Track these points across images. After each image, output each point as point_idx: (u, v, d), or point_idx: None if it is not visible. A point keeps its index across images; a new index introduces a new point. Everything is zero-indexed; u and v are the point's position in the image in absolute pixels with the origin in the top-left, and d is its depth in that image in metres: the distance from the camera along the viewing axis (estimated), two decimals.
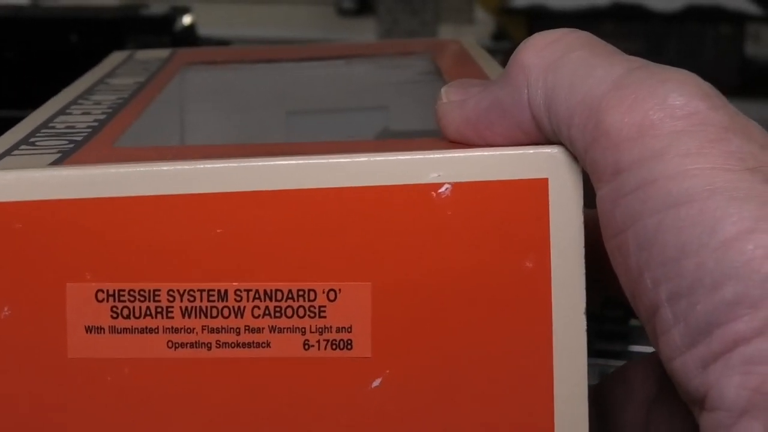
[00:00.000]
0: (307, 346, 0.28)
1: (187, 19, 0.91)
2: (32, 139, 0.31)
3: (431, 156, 0.27)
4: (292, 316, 0.28)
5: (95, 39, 0.85)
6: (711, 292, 0.24)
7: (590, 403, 0.28)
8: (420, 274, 0.28)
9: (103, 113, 0.34)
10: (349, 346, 0.28)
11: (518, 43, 0.29)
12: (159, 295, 0.28)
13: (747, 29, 1.51)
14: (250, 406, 0.28)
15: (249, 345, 0.28)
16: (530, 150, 0.28)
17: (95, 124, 0.33)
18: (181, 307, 0.28)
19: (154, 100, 0.37)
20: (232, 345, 0.28)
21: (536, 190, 0.28)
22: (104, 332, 0.28)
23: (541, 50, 0.28)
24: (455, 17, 1.70)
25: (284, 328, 0.28)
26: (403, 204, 0.27)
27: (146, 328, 0.28)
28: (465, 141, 0.28)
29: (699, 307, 0.24)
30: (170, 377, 0.28)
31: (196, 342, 0.28)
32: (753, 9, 1.48)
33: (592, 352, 0.54)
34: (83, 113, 0.34)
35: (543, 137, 0.28)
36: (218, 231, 0.27)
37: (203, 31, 0.97)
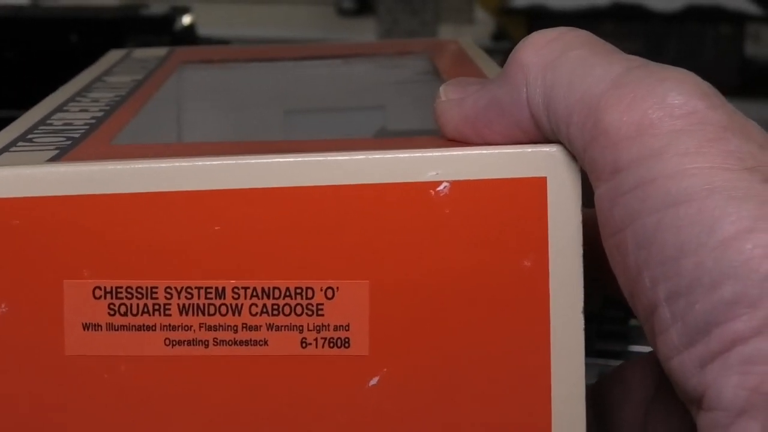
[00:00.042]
0: (304, 344, 0.28)
1: (186, 19, 0.91)
2: (30, 136, 0.31)
3: (429, 154, 0.27)
4: (289, 314, 0.28)
5: (95, 39, 0.85)
6: (709, 291, 0.24)
7: (588, 402, 0.28)
8: (418, 272, 0.28)
9: (100, 111, 0.34)
10: (346, 345, 0.28)
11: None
12: (156, 293, 0.28)
13: (747, 29, 1.51)
14: (247, 404, 0.28)
15: (246, 343, 0.28)
16: (529, 149, 0.28)
17: (93, 121, 0.33)
18: (178, 305, 0.28)
19: (152, 98, 0.37)
20: (230, 343, 0.28)
21: (535, 188, 0.27)
22: (101, 329, 0.28)
23: (540, 49, 0.28)
24: (455, 17, 1.70)
25: (282, 326, 0.28)
26: (401, 202, 0.27)
27: (143, 325, 0.28)
28: (463, 139, 0.28)
29: (697, 306, 0.24)
30: (167, 375, 0.28)
31: (193, 339, 0.28)
32: (753, 9, 1.48)
33: (592, 352, 0.54)
34: (81, 110, 0.34)
35: (541, 136, 0.28)
36: (216, 228, 0.27)
37: (203, 31, 0.97)
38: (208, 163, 0.27)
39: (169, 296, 0.28)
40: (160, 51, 0.46)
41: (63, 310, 0.27)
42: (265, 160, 0.27)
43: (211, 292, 0.28)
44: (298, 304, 0.28)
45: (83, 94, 0.37)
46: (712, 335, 0.24)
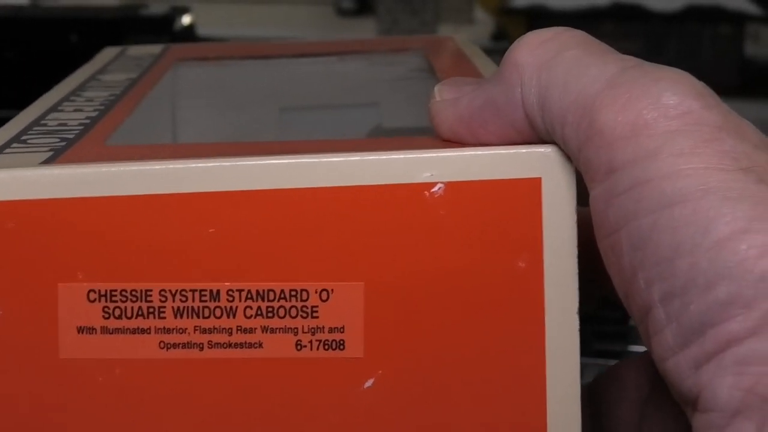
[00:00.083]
0: (299, 347, 0.28)
1: (186, 19, 0.91)
2: (24, 137, 0.31)
3: (424, 155, 0.27)
4: (284, 316, 0.28)
5: (95, 39, 0.85)
6: (704, 292, 0.24)
7: (583, 402, 0.28)
8: (413, 274, 0.27)
9: (95, 110, 0.34)
10: (341, 347, 0.28)
11: None
12: (151, 296, 0.27)
13: (746, 29, 1.51)
14: (242, 407, 0.28)
15: (241, 345, 0.28)
16: (523, 149, 0.28)
17: (87, 121, 0.33)
18: (173, 308, 0.28)
19: (147, 96, 0.37)
20: (225, 345, 0.28)
21: (529, 189, 0.27)
22: (96, 332, 0.28)
23: (535, 49, 0.28)
24: (455, 17, 1.70)
25: (276, 329, 0.28)
26: (395, 203, 0.27)
27: (138, 328, 0.28)
28: (458, 140, 0.28)
29: (692, 307, 0.24)
30: (162, 378, 0.28)
31: (188, 342, 0.28)
32: (752, 9, 1.48)
33: (592, 352, 0.54)
34: (75, 110, 0.34)
35: (536, 136, 0.28)
36: (210, 230, 0.27)
37: (203, 31, 0.97)
38: (202, 165, 0.27)
39: (163, 299, 0.27)
40: (155, 48, 0.45)
41: (57, 313, 0.27)
42: (259, 162, 0.27)
43: (205, 295, 0.28)
44: (292, 306, 0.28)
45: (78, 94, 0.37)
46: (706, 336, 0.24)
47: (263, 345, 0.28)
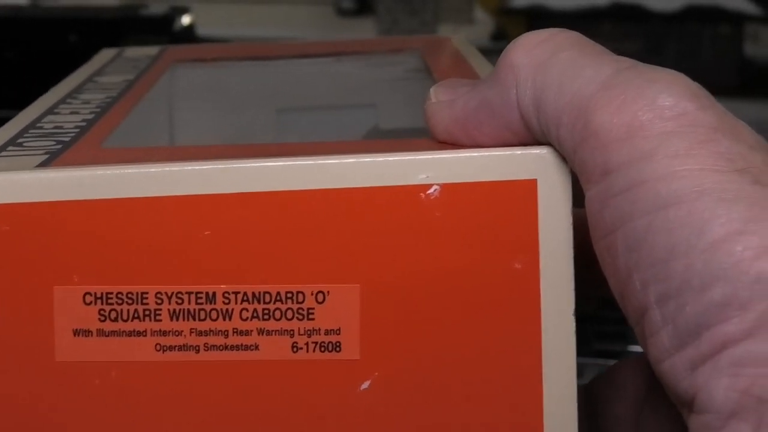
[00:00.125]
0: (295, 349, 0.28)
1: (186, 19, 0.91)
2: (20, 140, 0.31)
3: (420, 157, 0.27)
4: (280, 318, 0.28)
5: (95, 39, 0.85)
6: (700, 293, 0.24)
7: (580, 402, 0.28)
8: (409, 275, 0.27)
9: (91, 112, 0.34)
10: (337, 349, 0.28)
11: None
12: (147, 298, 0.27)
13: (746, 29, 1.51)
14: (238, 409, 0.28)
15: (237, 347, 0.28)
16: (519, 151, 0.28)
17: (83, 123, 0.33)
18: (169, 310, 0.28)
19: (143, 98, 0.37)
20: (221, 348, 0.28)
21: (525, 191, 0.27)
22: (92, 335, 0.28)
23: (530, 50, 0.28)
24: (455, 17, 1.70)
25: (272, 331, 0.28)
26: (391, 205, 0.27)
27: (134, 330, 0.28)
28: (454, 141, 0.28)
29: (688, 308, 0.24)
30: (158, 380, 0.28)
31: (184, 345, 0.28)
32: (752, 9, 1.48)
33: (592, 352, 0.54)
34: (71, 113, 0.34)
35: (532, 138, 0.27)
36: (206, 233, 0.27)
37: (202, 31, 0.97)
38: (198, 167, 0.27)
39: (159, 301, 0.27)
40: (152, 50, 0.45)
41: (53, 316, 0.27)
42: (255, 164, 0.27)
43: (201, 297, 0.28)
44: (288, 309, 0.28)
45: (74, 96, 0.37)
46: (702, 338, 0.24)
47: (259, 347, 0.28)
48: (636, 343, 0.56)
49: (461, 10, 1.71)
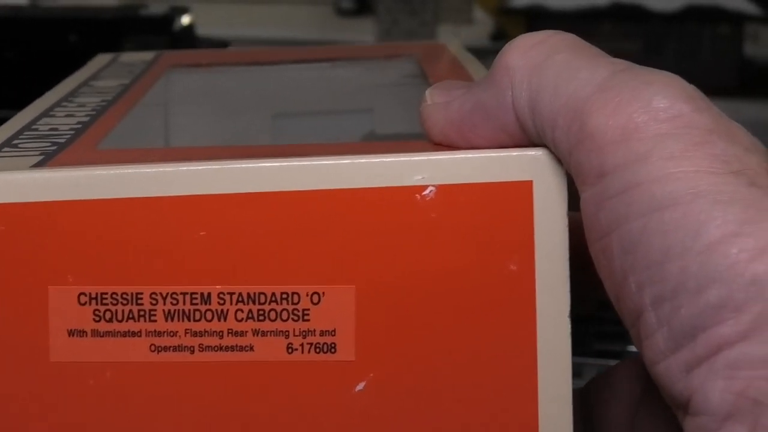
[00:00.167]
0: (290, 350, 0.28)
1: (185, 19, 0.91)
2: (15, 141, 0.31)
3: (415, 158, 0.27)
4: (275, 319, 0.28)
5: (94, 39, 0.85)
6: (695, 295, 0.24)
7: (576, 405, 0.28)
8: (404, 277, 0.27)
9: (86, 115, 0.34)
10: (332, 350, 0.28)
11: None
12: (142, 299, 0.27)
13: (746, 29, 1.51)
14: (233, 410, 0.28)
15: (232, 348, 0.28)
16: (514, 152, 0.28)
17: (78, 126, 0.33)
18: (164, 311, 0.27)
19: (139, 102, 0.37)
20: (216, 348, 0.28)
21: (520, 192, 0.27)
22: (87, 335, 0.28)
23: (525, 52, 0.28)
24: (454, 17, 1.70)
25: (267, 332, 0.28)
26: (387, 206, 0.27)
27: (129, 331, 0.28)
28: (449, 143, 0.28)
29: (683, 310, 0.24)
30: (153, 381, 0.28)
31: (179, 345, 0.28)
32: (752, 9, 1.48)
33: (592, 352, 0.54)
34: (67, 115, 0.34)
35: (527, 140, 0.27)
36: (201, 233, 0.27)
37: (202, 31, 0.97)
38: (194, 168, 0.27)
39: (154, 302, 0.27)
40: (148, 55, 0.46)
41: (48, 317, 0.27)
42: (250, 165, 0.27)
43: (196, 298, 0.27)
44: (284, 310, 0.28)
45: (69, 99, 0.37)
46: (697, 340, 0.24)
47: (254, 348, 0.28)
48: None
49: (461, 10, 1.71)
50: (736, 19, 1.47)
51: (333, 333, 0.28)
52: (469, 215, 0.27)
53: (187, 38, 0.90)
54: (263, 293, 0.27)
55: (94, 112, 0.34)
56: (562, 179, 0.27)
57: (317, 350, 0.28)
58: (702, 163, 0.25)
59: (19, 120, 0.34)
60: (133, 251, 0.27)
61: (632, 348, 0.56)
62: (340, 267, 0.27)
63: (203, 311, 0.28)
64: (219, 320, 0.28)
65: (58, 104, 0.36)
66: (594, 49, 0.27)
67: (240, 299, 0.27)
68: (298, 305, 0.28)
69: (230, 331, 0.28)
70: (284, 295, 0.27)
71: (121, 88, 0.38)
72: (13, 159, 0.29)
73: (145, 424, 0.28)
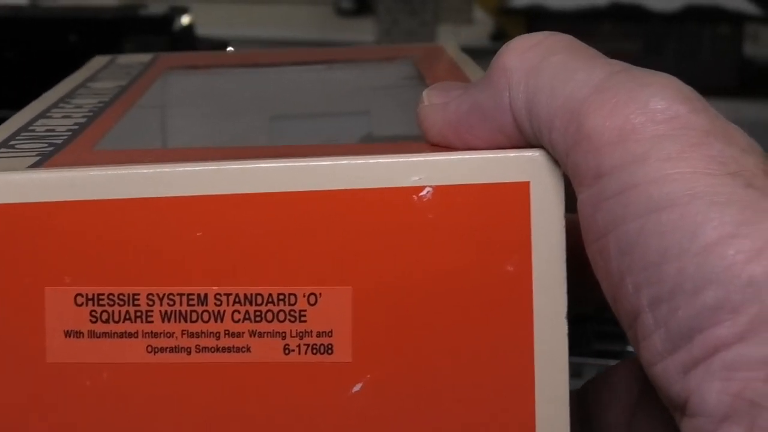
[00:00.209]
0: (287, 351, 0.28)
1: (185, 20, 0.91)
2: (12, 142, 0.31)
3: (412, 159, 0.27)
4: (272, 320, 0.28)
5: (94, 39, 0.86)
6: (692, 297, 0.24)
7: (573, 406, 0.28)
8: (401, 278, 0.27)
9: (83, 117, 0.34)
10: (329, 351, 0.28)
11: None
12: (138, 299, 0.27)
13: (746, 29, 1.51)
14: (230, 411, 0.28)
15: (229, 349, 0.28)
16: (511, 153, 0.27)
17: (75, 127, 0.33)
18: (160, 312, 0.27)
19: (136, 104, 0.37)
20: (212, 349, 0.28)
21: (517, 193, 0.27)
22: (83, 336, 0.28)
23: (522, 53, 0.28)
24: (454, 17, 1.70)
25: (264, 333, 0.28)
26: (384, 207, 0.27)
27: (125, 332, 0.28)
28: (446, 144, 0.28)
29: (680, 312, 0.24)
30: (150, 382, 0.28)
31: (175, 347, 0.28)
32: (752, 9, 1.48)
33: (592, 352, 0.54)
34: (64, 117, 0.34)
35: (524, 141, 0.27)
36: (198, 234, 0.27)
37: (202, 31, 0.97)
38: (190, 168, 0.27)
39: (151, 303, 0.27)
40: (145, 57, 0.46)
41: (44, 317, 0.27)
42: (246, 166, 0.27)
43: (193, 299, 0.27)
44: (280, 311, 0.28)
45: (66, 101, 0.37)
46: (694, 341, 0.24)
47: (251, 349, 0.28)
48: None
49: (461, 10, 1.71)
50: (736, 19, 1.47)
51: (330, 334, 0.28)
52: (466, 216, 0.27)
53: (187, 38, 0.90)
54: (260, 294, 0.27)
55: (91, 114, 0.34)
56: (559, 180, 0.27)
57: (314, 351, 0.28)
58: (699, 164, 0.25)
59: (16, 121, 0.34)
60: (130, 252, 0.27)
61: (632, 348, 0.56)
62: (337, 268, 0.27)
63: (200, 312, 0.27)
64: (216, 321, 0.28)
65: (55, 105, 0.36)
66: (591, 51, 0.27)
67: (237, 300, 0.27)
68: (295, 306, 0.27)
69: (227, 332, 0.28)
70: (281, 296, 0.27)
71: (119, 90, 0.38)
72: (10, 160, 0.29)
73: (142, 425, 0.28)
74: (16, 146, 0.30)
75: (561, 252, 0.28)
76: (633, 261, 0.25)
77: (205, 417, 0.28)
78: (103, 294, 0.27)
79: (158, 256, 0.27)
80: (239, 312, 0.28)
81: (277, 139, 0.44)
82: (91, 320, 0.27)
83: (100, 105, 0.36)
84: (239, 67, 0.45)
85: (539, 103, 0.27)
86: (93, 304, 0.27)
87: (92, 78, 0.41)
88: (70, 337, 0.28)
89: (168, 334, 0.28)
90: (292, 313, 0.28)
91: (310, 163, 0.27)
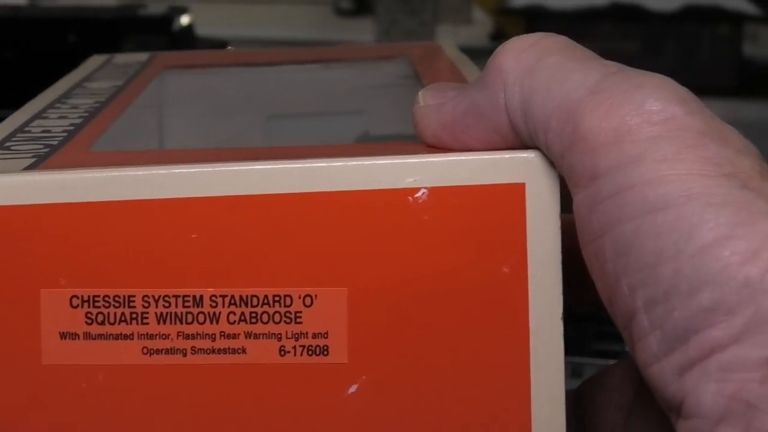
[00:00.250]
0: (283, 352, 0.28)
1: (185, 19, 0.91)
2: (7, 144, 0.31)
3: (407, 161, 0.27)
4: (267, 321, 0.28)
5: (93, 39, 0.85)
6: (687, 298, 0.24)
7: (569, 406, 0.28)
8: (396, 279, 0.27)
9: (79, 117, 0.34)
10: (325, 352, 0.28)
11: None
12: (134, 301, 0.27)
13: (745, 29, 1.51)
14: (226, 413, 0.28)
15: (224, 351, 0.28)
16: (507, 154, 0.27)
17: (71, 128, 0.33)
18: (156, 313, 0.27)
19: (132, 104, 0.37)
20: (208, 351, 0.28)
21: (513, 194, 0.27)
22: (79, 338, 0.28)
23: (518, 54, 0.27)
24: (454, 17, 1.70)
25: (260, 334, 0.28)
26: (379, 209, 0.27)
27: (121, 334, 0.28)
28: (442, 145, 0.28)
29: (675, 313, 0.24)
30: (145, 384, 0.28)
31: (171, 348, 0.28)
32: (751, 9, 1.48)
33: (592, 352, 0.53)
34: (60, 117, 0.34)
35: (520, 142, 0.27)
36: (193, 236, 0.27)
37: (201, 31, 0.97)
38: (185, 170, 0.27)
39: (146, 305, 0.27)
40: (142, 56, 0.45)
41: (40, 319, 0.27)
42: (242, 168, 0.27)
43: (188, 301, 0.27)
44: (276, 312, 0.27)
45: (62, 101, 0.37)
46: (690, 342, 0.24)
47: (246, 351, 0.28)
48: None
49: (460, 10, 1.71)
50: (736, 19, 1.47)
51: (325, 335, 0.28)
52: (462, 217, 0.27)
53: (187, 38, 0.90)
54: (255, 296, 0.27)
55: (87, 114, 0.34)
56: (554, 181, 0.27)
57: (310, 353, 0.28)
58: (694, 165, 0.24)
59: (12, 122, 0.33)
60: (126, 254, 0.27)
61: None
62: (333, 269, 0.27)
63: (195, 314, 0.27)
64: (211, 323, 0.27)
65: (51, 106, 0.36)
66: (586, 52, 0.27)
67: (232, 302, 0.27)
68: (291, 308, 0.27)
69: (222, 333, 0.28)
70: (276, 298, 0.27)
71: (115, 90, 0.38)
72: (5, 161, 0.29)
73: (137, 426, 0.28)
74: (12, 148, 0.30)
75: (556, 253, 0.28)
76: (628, 262, 0.25)
77: (201, 418, 0.28)
78: (98, 296, 0.27)
79: (154, 257, 0.27)
80: (235, 313, 0.27)
81: (274, 139, 0.43)
82: (86, 322, 0.27)
83: (97, 105, 0.36)
84: (235, 67, 0.45)
85: (535, 104, 0.27)
86: (88, 306, 0.27)
87: (88, 78, 0.41)
88: (65, 339, 0.28)
89: (163, 336, 0.28)
90: (287, 314, 0.27)
91: (305, 165, 0.27)
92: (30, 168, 0.28)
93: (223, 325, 0.27)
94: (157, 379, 0.28)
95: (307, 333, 0.28)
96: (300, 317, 0.27)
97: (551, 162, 0.27)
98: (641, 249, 0.24)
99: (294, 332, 0.28)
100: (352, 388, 0.28)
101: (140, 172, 0.27)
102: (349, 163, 0.27)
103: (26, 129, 0.33)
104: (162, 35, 0.86)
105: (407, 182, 0.27)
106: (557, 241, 0.28)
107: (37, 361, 0.27)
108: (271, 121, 0.44)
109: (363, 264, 0.27)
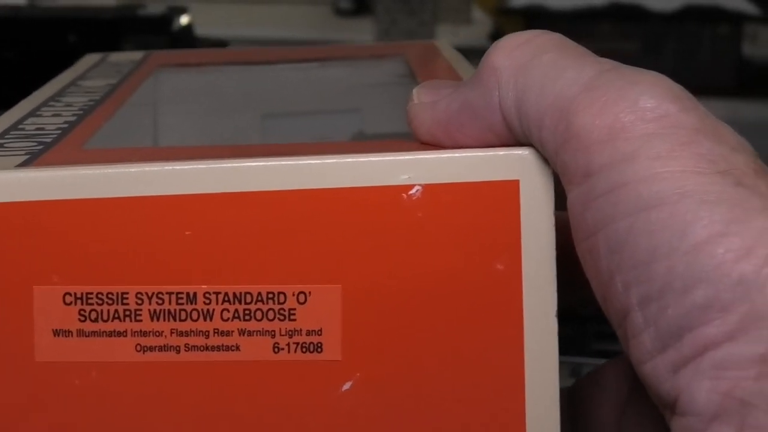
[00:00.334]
0: (276, 349, 0.28)
1: (184, 19, 0.91)
2: (1, 141, 0.31)
3: (401, 157, 0.27)
4: (261, 318, 0.27)
5: (93, 39, 0.86)
6: (682, 295, 0.24)
7: (564, 404, 0.28)
8: (391, 276, 0.27)
9: (73, 115, 0.34)
10: (319, 349, 0.28)
11: None
12: (127, 298, 0.27)
13: (745, 29, 1.51)
14: (219, 410, 0.28)
15: (218, 348, 0.28)
16: (501, 152, 0.27)
17: (65, 125, 0.33)
18: (149, 310, 0.27)
19: (127, 102, 0.37)
20: (201, 348, 0.28)
21: (507, 191, 0.27)
22: (72, 335, 0.28)
23: (511, 52, 0.27)
24: (453, 17, 1.70)
25: (254, 331, 0.28)
26: (373, 206, 0.27)
27: (114, 331, 0.28)
28: (436, 142, 0.28)
29: (669, 311, 0.24)
30: (139, 381, 0.28)
31: (164, 345, 0.28)
32: (751, 9, 1.48)
33: (592, 352, 0.53)
34: (54, 115, 0.34)
35: (514, 139, 0.27)
36: (187, 233, 0.27)
37: (200, 31, 0.97)
38: (179, 167, 0.27)
39: (140, 302, 0.27)
40: (136, 55, 0.45)
41: (33, 316, 0.27)
42: (235, 165, 0.27)
43: (182, 298, 0.27)
44: (270, 309, 0.27)
45: (57, 99, 0.37)
46: (684, 340, 0.24)
47: (240, 348, 0.28)
48: None
49: (459, 10, 1.71)
50: (735, 19, 1.47)
51: (319, 332, 0.28)
52: (456, 215, 0.27)
53: (186, 38, 0.90)
54: (249, 293, 0.27)
55: (81, 112, 0.34)
56: (548, 179, 0.27)
57: (303, 350, 0.28)
58: (688, 162, 0.24)
59: (6, 120, 0.33)
60: (119, 251, 0.27)
61: None
62: (327, 266, 0.27)
63: (189, 311, 0.27)
64: (205, 320, 0.27)
65: (45, 104, 0.36)
66: (580, 49, 0.27)
67: (226, 299, 0.27)
68: (285, 305, 0.27)
69: (216, 330, 0.28)
70: (270, 295, 0.27)
71: (109, 88, 0.38)
72: None
73: (131, 424, 0.28)
74: (5, 145, 0.30)
75: (551, 250, 0.28)
76: (622, 259, 0.25)
77: (195, 416, 0.28)
78: (91, 293, 0.27)
79: (147, 254, 0.27)
80: (228, 311, 0.27)
81: (269, 137, 0.43)
82: (79, 319, 0.27)
83: (91, 103, 0.36)
84: (231, 65, 0.45)
85: (528, 101, 0.27)
86: (81, 303, 0.27)
87: (83, 76, 0.41)
88: (58, 336, 0.27)
89: (157, 333, 0.27)
90: (281, 311, 0.27)
91: (300, 162, 0.27)
92: (23, 165, 0.28)
93: (217, 322, 0.27)
94: (151, 377, 0.28)
95: (300, 330, 0.28)
96: (294, 314, 0.27)
97: (545, 159, 0.27)
98: (635, 246, 0.24)
99: (288, 329, 0.28)
100: (346, 386, 0.28)
101: (133, 169, 0.27)
102: (343, 160, 0.27)
103: (20, 126, 0.33)
104: (161, 35, 0.87)
105: (401, 179, 0.27)
106: (551, 238, 0.27)
107: (30, 358, 0.27)
108: (266, 120, 0.44)
109: (357, 261, 0.27)
